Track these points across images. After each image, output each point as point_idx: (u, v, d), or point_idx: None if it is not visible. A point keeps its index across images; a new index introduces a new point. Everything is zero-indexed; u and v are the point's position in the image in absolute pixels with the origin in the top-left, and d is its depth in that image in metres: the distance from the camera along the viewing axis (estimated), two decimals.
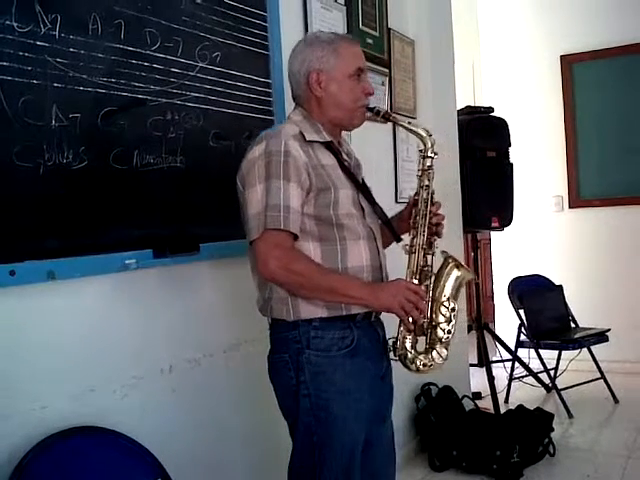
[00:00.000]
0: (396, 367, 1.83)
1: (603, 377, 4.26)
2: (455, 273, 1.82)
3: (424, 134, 1.86)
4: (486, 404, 3.90)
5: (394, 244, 1.93)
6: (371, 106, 1.86)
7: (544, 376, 4.37)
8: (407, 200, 1.93)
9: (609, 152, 5.03)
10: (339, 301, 1.70)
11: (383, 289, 1.71)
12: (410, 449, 3.41)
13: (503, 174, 4.20)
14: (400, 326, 1.76)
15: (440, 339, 1.78)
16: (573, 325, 4.50)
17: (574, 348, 4.20)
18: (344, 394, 1.72)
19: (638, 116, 4.91)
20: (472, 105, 4.56)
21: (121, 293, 1.90)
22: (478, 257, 4.56)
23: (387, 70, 3.33)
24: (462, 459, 3.23)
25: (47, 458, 1.59)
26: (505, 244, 5.33)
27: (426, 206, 1.83)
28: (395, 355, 1.79)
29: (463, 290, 3.84)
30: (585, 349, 4.22)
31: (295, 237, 1.67)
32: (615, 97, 4.98)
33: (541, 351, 4.32)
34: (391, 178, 3.40)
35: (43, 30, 1.66)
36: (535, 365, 4.41)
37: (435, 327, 1.78)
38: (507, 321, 4.83)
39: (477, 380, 4.23)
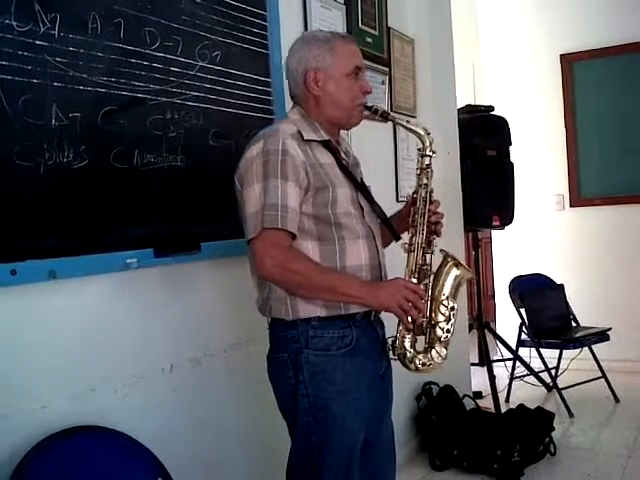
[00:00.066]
0: (396, 366, 1.83)
1: (604, 376, 4.25)
2: (454, 272, 1.81)
3: (422, 132, 1.86)
4: (487, 403, 3.90)
5: (394, 243, 1.93)
6: (369, 105, 1.85)
7: (545, 375, 4.37)
8: (407, 199, 1.93)
9: (610, 150, 5.03)
10: (338, 300, 1.70)
11: (382, 288, 1.71)
12: (411, 448, 3.41)
13: (504, 173, 4.20)
14: (399, 325, 1.76)
15: (439, 338, 1.77)
16: (574, 324, 4.50)
17: (575, 347, 4.20)
18: (343, 393, 1.72)
19: (638, 115, 4.90)
20: (472, 104, 4.56)
21: (122, 292, 1.90)
22: (479, 256, 4.56)
23: (387, 69, 3.33)
24: (463, 458, 3.23)
25: (48, 458, 1.59)
26: (506, 243, 5.33)
27: (425, 205, 1.82)
28: (394, 354, 1.78)
29: (463, 289, 3.84)
30: (586, 348, 4.22)
31: (293, 236, 1.67)
32: (615, 96, 4.97)
33: (542, 350, 4.33)
34: (391, 177, 3.40)
35: (42, 29, 1.66)
36: (536, 364, 4.41)
37: (434, 326, 1.78)
38: (508, 320, 4.83)
39: (478, 379, 4.23)
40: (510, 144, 4.25)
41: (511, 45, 5.30)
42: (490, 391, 3.92)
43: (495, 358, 4.38)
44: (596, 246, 5.01)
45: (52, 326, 1.70)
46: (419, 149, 1.87)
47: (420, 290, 1.72)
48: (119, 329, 1.88)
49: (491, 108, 4.29)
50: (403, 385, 3.31)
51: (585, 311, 4.54)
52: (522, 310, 4.33)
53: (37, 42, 1.64)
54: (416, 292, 1.69)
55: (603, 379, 4.25)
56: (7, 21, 1.57)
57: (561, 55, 5.12)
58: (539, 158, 5.20)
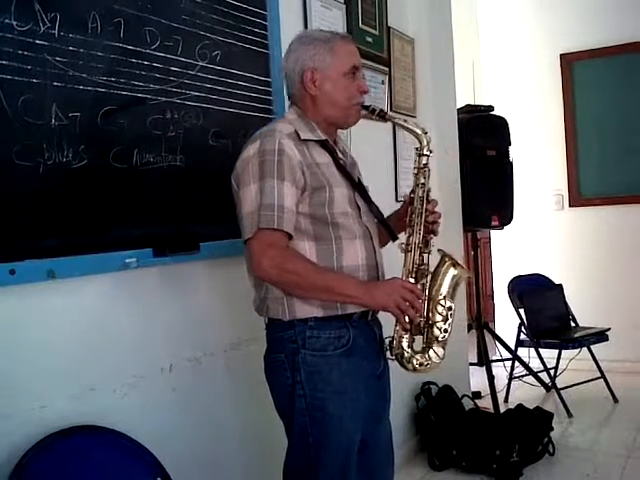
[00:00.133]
0: (395, 366, 1.83)
1: (603, 376, 4.25)
2: (452, 272, 1.81)
3: (419, 132, 1.85)
4: (486, 403, 3.91)
5: (391, 243, 1.93)
6: (366, 104, 1.85)
7: (544, 375, 4.37)
8: (404, 199, 1.93)
9: (609, 150, 5.03)
10: (335, 300, 1.70)
11: (378, 287, 1.71)
12: (410, 448, 3.41)
13: (503, 173, 4.20)
14: (396, 325, 1.76)
15: (437, 338, 1.77)
16: (573, 324, 4.50)
17: (574, 347, 4.20)
18: (340, 394, 1.72)
19: (638, 115, 4.91)
20: (472, 104, 4.56)
21: (121, 292, 1.90)
22: (478, 256, 4.56)
23: (387, 69, 3.33)
24: (462, 458, 3.23)
25: (47, 457, 1.59)
26: (505, 243, 5.33)
27: (422, 204, 1.82)
28: (392, 354, 1.78)
29: (462, 289, 3.85)
30: (585, 348, 4.22)
31: (290, 237, 1.67)
32: (615, 96, 4.97)
33: (541, 350, 4.33)
34: (391, 177, 3.41)
35: (42, 29, 1.65)
36: (535, 364, 4.41)
37: (432, 326, 1.77)
38: (507, 320, 4.83)
39: (477, 379, 4.23)
40: (510, 144, 4.25)
41: (511, 45, 5.30)
42: (489, 391, 3.93)
43: (494, 358, 4.38)
44: (595, 246, 5.01)
45: (51, 326, 1.69)
46: (416, 148, 1.86)
47: (417, 290, 1.72)
48: (118, 329, 1.88)
49: (491, 108, 4.29)
50: (402, 385, 3.32)
51: (584, 311, 4.54)
52: (521, 310, 4.33)
53: (37, 41, 1.64)
54: (413, 292, 1.69)
55: (602, 379, 4.25)
56: (7, 20, 1.57)
57: (561, 55, 5.12)
58: (539, 158, 5.21)
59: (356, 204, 1.81)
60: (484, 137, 4.10)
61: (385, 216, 1.93)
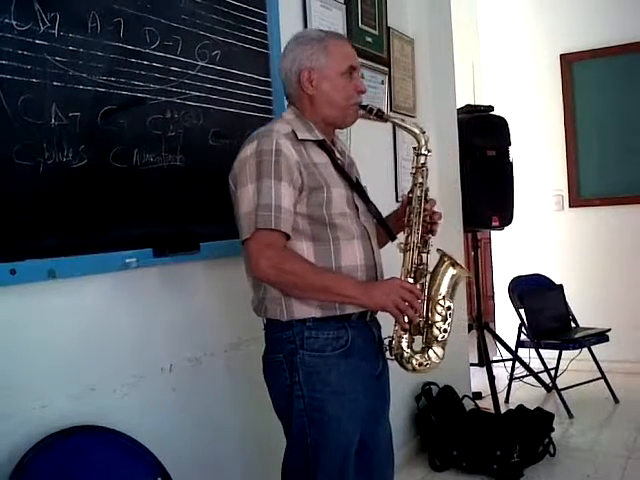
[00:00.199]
0: (395, 367, 1.82)
1: (603, 377, 4.25)
2: (451, 271, 1.80)
3: (417, 131, 1.85)
4: (486, 404, 3.90)
5: (390, 243, 1.92)
6: (364, 104, 1.85)
7: (544, 376, 4.37)
8: (402, 198, 1.92)
9: (609, 151, 5.03)
10: (333, 300, 1.69)
11: (376, 288, 1.70)
12: (410, 449, 3.41)
13: (503, 173, 4.20)
14: (395, 325, 1.75)
15: (436, 338, 1.77)
16: (573, 325, 4.50)
17: (574, 348, 4.20)
18: (338, 394, 1.72)
19: (638, 115, 4.91)
20: (472, 104, 4.56)
21: (121, 292, 1.90)
22: (478, 256, 4.56)
23: (387, 69, 3.33)
24: (462, 459, 3.23)
25: (47, 457, 1.59)
26: (505, 243, 5.33)
27: (420, 204, 1.82)
28: (391, 355, 1.78)
29: (462, 289, 3.85)
30: (585, 349, 4.22)
31: (287, 237, 1.67)
32: (615, 96, 4.97)
33: (541, 351, 4.32)
34: (391, 177, 3.40)
35: (42, 28, 1.65)
36: (535, 365, 4.41)
37: (431, 326, 1.77)
38: (507, 321, 4.82)
39: (477, 380, 4.23)
40: (510, 144, 4.25)
41: (511, 45, 5.31)
42: (490, 392, 3.92)
43: (494, 359, 4.38)
44: (595, 246, 5.01)
45: (51, 326, 1.69)
46: (414, 148, 1.86)
47: (416, 290, 1.71)
48: (118, 329, 1.88)
49: (491, 108, 4.29)
50: (403, 385, 3.32)
51: (584, 312, 4.54)
52: (521, 310, 4.33)
53: (37, 41, 1.64)
54: (412, 292, 1.68)
55: (602, 380, 4.25)
56: (7, 20, 1.57)
57: (561, 55, 5.12)
58: (539, 158, 5.21)
59: (354, 204, 1.81)
60: (484, 137, 4.10)
61: (384, 216, 1.93)
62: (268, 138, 1.69)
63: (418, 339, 1.78)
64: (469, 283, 4.50)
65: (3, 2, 1.57)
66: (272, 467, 1.83)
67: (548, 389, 4.41)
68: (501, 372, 4.41)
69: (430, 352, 1.77)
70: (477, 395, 4.04)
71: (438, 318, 1.77)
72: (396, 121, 1.93)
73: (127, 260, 1.86)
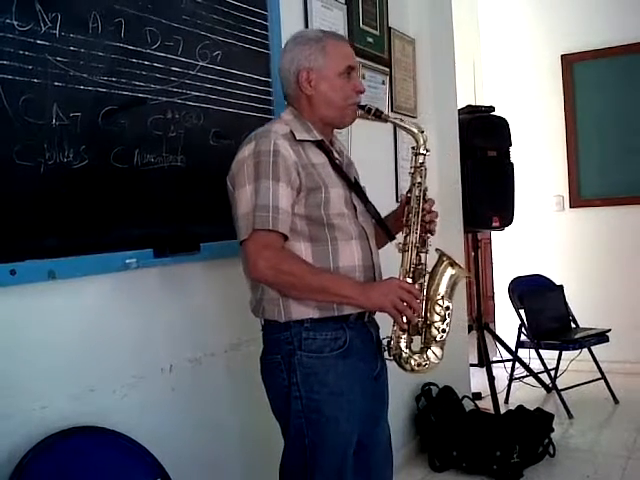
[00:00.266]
0: (395, 367, 1.82)
1: (603, 377, 4.25)
2: (449, 271, 1.80)
3: (416, 131, 1.85)
4: (486, 404, 3.90)
5: (390, 243, 1.92)
6: (362, 104, 1.85)
7: (544, 376, 4.37)
8: (401, 198, 1.92)
9: (610, 151, 5.03)
10: (331, 301, 1.69)
11: (374, 288, 1.70)
12: (410, 449, 3.41)
13: (504, 174, 4.20)
14: (394, 325, 1.75)
15: (435, 338, 1.77)
16: (573, 325, 4.50)
17: (574, 348, 4.20)
18: (336, 395, 1.72)
19: (639, 115, 4.90)
20: (473, 104, 4.56)
21: (121, 292, 1.90)
22: (479, 257, 4.56)
23: (388, 69, 3.33)
24: (462, 459, 3.23)
25: (47, 458, 1.59)
26: (506, 244, 5.33)
27: (418, 204, 1.82)
28: (389, 355, 1.78)
29: (462, 290, 3.85)
30: (585, 349, 4.22)
31: (285, 238, 1.66)
32: (616, 97, 4.97)
33: (541, 351, 4.32)
34: (391, 177, 3.40)
35: (43, 29, 1.65)
36: (535, 365, 4.41)
37: (430, 326, 1.77)
38: (507, 321, 4.82)
39: (477, 380, 4.23)
40: (510, 145, 4.24)
41: (512, 46, 5.30)
42: (489, 392, 3.92)
43: (494, 359, 4.38)
44: (596, 247, 5.01)
45: (52, 326, 1.69)
46: (413, 148, 1.86)
47: (415, 290, 1.71)
48: (118, 329, 1.88)
49: (491, 109, 4.29)
50: (402, 386, 3.32)
51: (584, 312, 4.54)
52: (521, 311, 4.33)
53: (38, 42, 1.64)
54: (411, 292, 1.68)
55: (602, 380, 4.25)
56: (8, 20, 1.57)
57: (562, 55, 5.12)
58: (539, 159, 5.21)
59: (352, 204, 1.81)
60: (485, 138, 4.09)
61: (383, 216, 1.93)
62: (266, 139, 1.69)
63: (417, 339, 1.78)
64: (469, 283, 4.50)
65: (4, 2, 1.56)
66: (272, 467, 1.83)
67: (548, 389, 4.41)
68: (501, 372, 4.41)
69: (429, 352, 1.77)
70: (477, 395, 4.04)
71: (437, 318, 1.77)
72: (394, 121, 1.93)
73: (127, 260, 1.86)
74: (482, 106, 4.36)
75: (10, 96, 1.57)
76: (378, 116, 1.86)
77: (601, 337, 4.24)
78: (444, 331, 1.77)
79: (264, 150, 1.67)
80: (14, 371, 1.60)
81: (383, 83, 3.28)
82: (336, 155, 1.85)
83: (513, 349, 4.40)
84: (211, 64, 2.16)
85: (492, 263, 5.69)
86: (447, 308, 1.78)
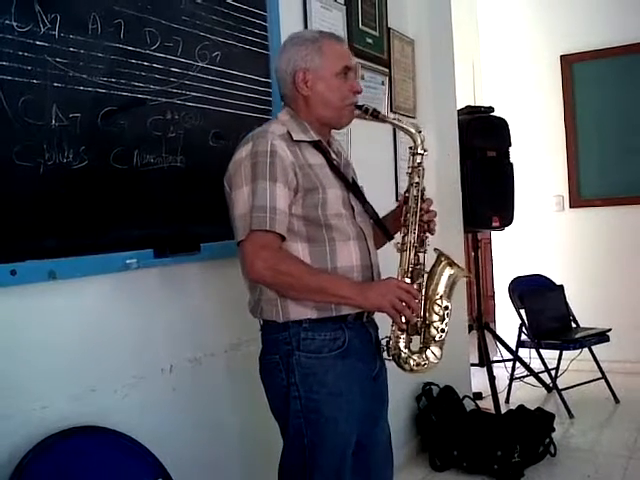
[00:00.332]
0: (395, 367, 1.82)
1: (604, 377, 4.25)
2: (448, 271, 1.80)
3: (413, 131, 1.85)
4: (487, 404, 3.90)
5: (388, 243, 1.92)
6: (359, 104, 1.85)
7: (545, 376, 4.36)
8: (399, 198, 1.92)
9: (610, 152, 5.03)
10: (328, 301, 1.69)
11: (372, 288, 1.70)
12: (411, 449, 3.41)
13: (503, 174, 4.20)
14: (393, 325, 1.75)
15: (433, 338, 1.76)
16: (574, 325, 4.50)
17: (575, 348, 4.20)
18: (335, 395, 1.71)
19: (638, 116, 4.90)
20: (472, 105, 4.56)
21: (122, 293, 1.90)
22: (479, 257, 4.56)
23: (387, 70, 3.33)
24: (463, 459, 3.23)
25: (48, 458, 1.59)
26: (506, 244, 5.33)
27: (416, 203, 1.81)
28: (388, 355, 1.78)
29: (463, 290, 3.85)
30: (586, 349, 4.22)
31: (282, 238, 1.66)
32: (615, 97, 4.98)
33: (542, 351, 4.33)
34: (391, 177, 3.40)
35: (43, 30, 1.66)
36: (536, 365, 4.41)
37: (429, 326, 1.77)
38: (508, 321, 4.82)
39: (478, 380, 4.22)
40: (510, 145, 4.25)
41: (511, 46, 5.30)
42: (490, 392, 3.92)
43: (495, 359, 4.38)
44: (596, 247, 5.01)
45: (52, 326, 1.70)
46: (410, 147, 1.86)
47: (413, 290, 1.71)
48: (119, 329, 1.88)
49: (491, 109, 4.29)
50: (403, 386, 3.32)
51: (585, 312, 4.54)
52: (522, 311, 4.33)
53: (37, 43, 1.64)
54: (409, 292, 1.68)
55: (603, 380, 4.25)
56: (7, 22, 1.57)
57: (561, 56, 5.12)
58: (539, 159, 5.21)
59: (350, 205, 1.81)
60: (484, 138, 4.10)
61: (381, 216, 1.93)
62: (263, 139, 1.69)
63: (416, 339, 1.78)
64: (469, 283, 4.51)
65: (4, 3, 1.57)
66: (272, 467, 1.83)
67: (549, 389, 4.41)
68: (501, 372, 4.41)
69: (428, 352, 1.77)
70: (477, 395, 4.04)
71: (436, 318, 1.77)
72: (392, 121, 1.93)
73: (128, 261, 1.86)
74: (482, 106, 4.37)
75: (10, 97, 1.57)
76: (375, 116, 1.86)
77: (601, 337, 4.24)
78: (443, 331, 1.76)
79: (261, 151, 1.67)
80: (14, 371, 1.61)
81: (382, 84, 3.28)
82: (333, 155, 1.85)
83: (514, 349, 4.39)
84: (210, 65, 2.17)
85: (492, 263, 5.69)
86: (446, 308, 1.77)
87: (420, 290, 1.77)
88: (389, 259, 1.89)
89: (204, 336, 2.16)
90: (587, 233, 5.06)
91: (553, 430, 3.41)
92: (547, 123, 5.18)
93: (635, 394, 4.30)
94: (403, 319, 1.70)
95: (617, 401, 4.20)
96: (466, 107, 4.28)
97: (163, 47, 2.00)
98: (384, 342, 1.79)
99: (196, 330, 2.13)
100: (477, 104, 5.04)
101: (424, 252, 1.81)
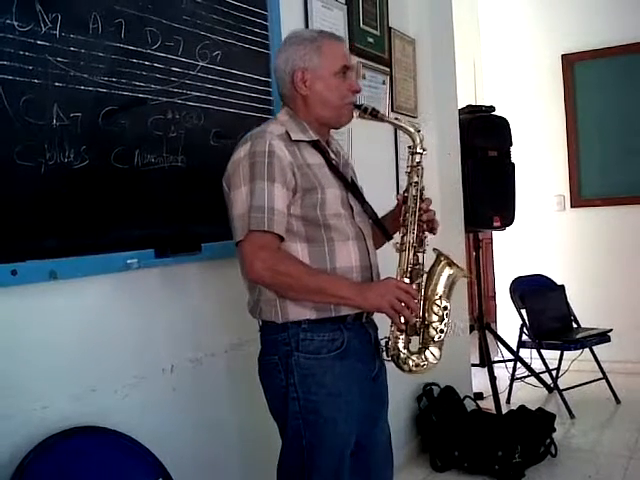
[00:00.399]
0: (395, 367, 1.82)
1: (605, 377, 4.25)
2: (447, 271, 1.79)
3: (412, 130, 1.84)
4: (488, 404, 3.90)
5: (387, 243, 1.91)
6: (358, 103, 1.84)
7: (546, 376, 4.36)
8: (397, 198, 1.91)
9: (611, 151, 5.02)
10: (327, 301, 1.69)
11: (371, 289, 1.69)
12: (412, 449, 3.41)
13: (505, 173, 4.20)
14: (392, 326, 1.74)
15: (432, 338, 1.75)
16: (575, 325, 4.50)
17: (576, 348, 4.20)
18: (334, 396, 1.71)
19: (639, 115, 4.90)
20: (473, 104, 4.56)
21: (123, 293, 1.90)
22: (480, 257, 4.56)
23: (388, 69, 3.33)
24: (464, 459, 3.23)
25: (48, 458, 1.59)
26: (507, 244, 5.32)
27: (415, 203, 1.80)
28: (387, 355, 1.77)
29: (464, 290, 3.84)
30: (587, 349, 4.22)
31: (281, 239, 1.66)
32: (617, 96, 4.97)
33: (543, 351, 4.32)
34: (392, 177, 3.40)
35: (44, 29, 1.65)
36: (537, 365, 4.41)
37: (428, 326, 1.76)
38: (509, 321, 4.82)
39: (479, 380, 4.23)
40: (511, 145, 4.25)
41: (512, 45, 5.30)
42: (491, 392, 3.93)
43: (496, 359, 4.38)
44: (597, 247, 5.01)
45: (53, 326, 1.69)
46: (409, 147, 1.85)
47: (412, 290, 1.70)
48: (119, 329, 1.88)
49: (492, 108, 4.29)
50: (404, 386, 3.31)
51: (586, 312, 4.54)
52: (523, 311, 4.33)
53: (38, 42, 1.64)
54: (408, 292, 1.67)
55: (604, 380, 4.24)
56: (8, 21, 1.57)
57: (562, 55, 5.12)
58: (540, 159, 5.20)
59: (349, 205, 1.80)
60: (485, 138, 4.09)
61: (381, 216, 1.92)
62: (261, 139, 1.68)
63: (415, 340, 1.77)
64: (471, 283, 4.51)
65: (5, 3, 1.57)
66: (272, 467, 1.83)
67: (549, 389, 4.40)
68: (502, 372, 4.41)
69: (427, 353, 1.76)
70: (478, 395, 4.04)
71: (435, 318, 1.76)
72: (390, 120, 1.92)
73: (128, 261, 1.86)
74: (483, 106, 4.37)
75: (11, 96, 1.57)
76: (374, 115, 1.85)
77: (602, 337, 4.24)
78: (442, 331, 1.76)
79: (259, 151, 1.66)
80: (15, 371, 1.60)
81: (383, 83, 3.28)
82: (332, 155, 1.84)
83: (515, 349, 4.40)
84: (211, 64, 2.17)
85: (493, 263, 5.69)
86: (445, 308, 1.76)
87: (419, 290, 1.76)
88: (388, 259, 1.88)
89: (205, 336, 2.16)
90: (588, 233, 5.06)
91: (554, 430, 3.40)
92: (548, 123, 5.18)
93: (636, 394, 4.30)
94: (402, 319, 1.69)
95: (618, 401, 4.20)
96: (467, 106, 4.28)
97: (164, 46, 2.00)
98: (383, 343, 1.78)
99: (197, 330, 2.13)
100: (478, 103, 5.03)
101: (423, 252, 1.80)
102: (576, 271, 4.96)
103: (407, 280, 1.75)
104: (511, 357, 4.41)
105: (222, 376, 2.21)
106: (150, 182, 1.95)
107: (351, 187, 1.84)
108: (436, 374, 3.30)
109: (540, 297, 4.45)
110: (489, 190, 4.06)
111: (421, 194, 1.82)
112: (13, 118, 1.58)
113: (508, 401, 4.26)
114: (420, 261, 1.79)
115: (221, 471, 2.17)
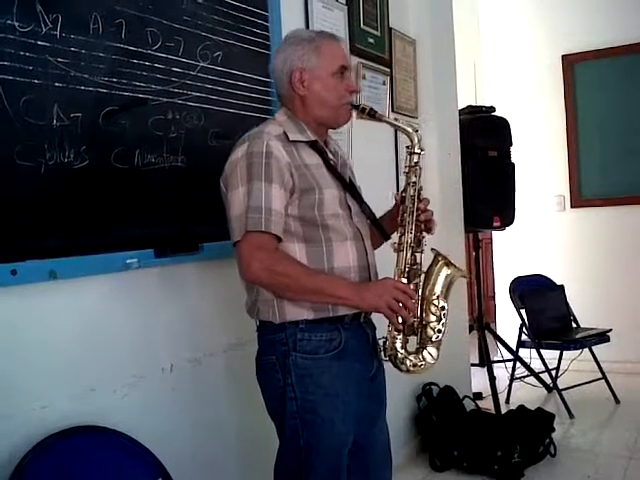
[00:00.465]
0: (393, 367, 1.82)
1: (604, 377, 4.25)
2: (445, 271, 1.79)
3: (410, 130, 1.84)
4: (487, 404, 3.90)
5: (386, 243, 1.92)
6: (356, 103, 1.84)
7: (545, 376, 4.37)
8: (395, 198, 1.91)
9: (611, 152, 5.02)
10: (325, 302, 1.69)
11: (369, 289, 1.69)
12: (411, 449, 3.41)
13: (505, 174, 4.20)
14: (389, 326, 1.74)
15: (430, 338, 1.75)
16: (574, 325, 4.50)
17: (575, 348, 4.20)
18: (331, 396, 1.71)
19: (639, 115, 4.90)
20: (474, 105, 4.56)
21: (122, 293, 1.90)
22: (479, 257, 4.56)
23: (388, 70, 3.33)
24: (463, 459, 3.23)
25: (47, 458, 1.59)
26: (507, 244, 5.32)
27: (413, 203, 1.80)
28: (385, 356, 1.77)
29: (463, 290, 3.85)
30: (586, 349, 4.22)
31: (279, 239, 1.66)
32: (617, 97, 4.97)
33: (542, 351, 4.32)
34: (392, 177, 3.40)
35: (44, 30, 1.66)
36: (536, 365, 4.41)
37: (425, 326, 1.76)
38: (508, 321, 4.82)
39: (478, 380, 4.23)
40: (511, 145, 4.25)
41: (513, 46, 5.30)
42: (490, 392, 3.92)
43: (495, 359, 4.38)
44: (596, 247, 5.01)
45: (52, 326, 1.70)
46: (407, 147, 1.85)
47: (410, 290, 1.70)
48: (119, 329, 1.88)
49: (492, 109, 4.29)
50: (403, 386, 3.32)
51: (585, 312, 4.54)
52: (522, 311, 4.33)
53: (39, 42, 1.64)
54: (406, 292, 1.67)
55: (603, 380, 4.25)
56: (9, 22, 1.57)
57: (563, 56, 5.12)
58: (540, 159, 5.20)
59: (347, 205, 1.80)
60: (486, 138, 4.10)
61: (378, 216, 1.92)
62: (259, 140, 1.68)
63: (412, 340, 1.77)
64: (470, 283, 4.51)
65: (5, 3, 1.57)
66: (270, 467, 1.83)
67: (549, 389, 4.41)
68: (502, 372, 4.41)
69: (424, 353, 1.76)
70: (478, 395, 4.04)
71: (432, 318, 1.76)
72: (388, 120, 1.92)
73: (128, 261, 1.86)
74: (483, 106, 4.36)
75: (11, 97, 1.57)
76: (372, 115, 1.85)
77: (602, 337, 4.24)
78: (440, 331, 1.75)
79: (257, 151, 1.66)
80: (14, 371, 1.61)
81: (384, 83, 3.28)
82: (330, 155, 1.84)
83: (514, 349, 4.40)
84: (212, 65, 2.17)
85: (493, 263, 5.69)
86: (442, 308, 1.76)
87: (417, 290, 1.76)
88: (386, 259, 1.88)
89: (203, 336, 2.16)
90: (588, 233, 5.06)
91: (553, 430, 3.41)
92: (548, 123, 5.18)
93: (635, 394, 4.31)
94: (400, 319, 1.69)
95: (617, 401, 4.20)
96: (467, 107, 4.28)
97: (164, 47, 2.00)
98: (381, 342, 1.78)
99: (196, 330, 2.13)
100: (478, 104, 5.03)
101: (421, 252, 1.80)
102: (576, 271, 4.97)
103: (405, 280, 1.75)
104: (510, 357, 4.42)
105: (221, 376, 2.21)
106: (150, 182, 1.95)
107: (349, 187, 1.84)
108: (435, 374, 3.31)
109: (540, 297, 4.45)
110: (489, 190, 4.06)
111: (419, 194, 1.82)
112: (13, 118, 1.58)
113: (507, 401, 4.26)
114: (418, 261, 1.79)
115: (220, 470, 2.18)
